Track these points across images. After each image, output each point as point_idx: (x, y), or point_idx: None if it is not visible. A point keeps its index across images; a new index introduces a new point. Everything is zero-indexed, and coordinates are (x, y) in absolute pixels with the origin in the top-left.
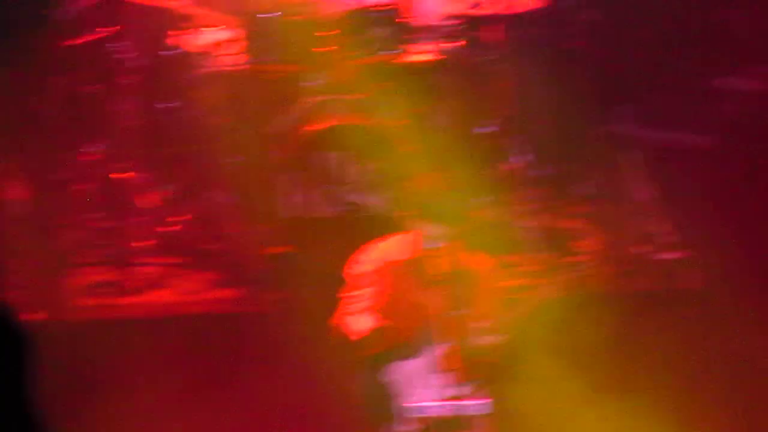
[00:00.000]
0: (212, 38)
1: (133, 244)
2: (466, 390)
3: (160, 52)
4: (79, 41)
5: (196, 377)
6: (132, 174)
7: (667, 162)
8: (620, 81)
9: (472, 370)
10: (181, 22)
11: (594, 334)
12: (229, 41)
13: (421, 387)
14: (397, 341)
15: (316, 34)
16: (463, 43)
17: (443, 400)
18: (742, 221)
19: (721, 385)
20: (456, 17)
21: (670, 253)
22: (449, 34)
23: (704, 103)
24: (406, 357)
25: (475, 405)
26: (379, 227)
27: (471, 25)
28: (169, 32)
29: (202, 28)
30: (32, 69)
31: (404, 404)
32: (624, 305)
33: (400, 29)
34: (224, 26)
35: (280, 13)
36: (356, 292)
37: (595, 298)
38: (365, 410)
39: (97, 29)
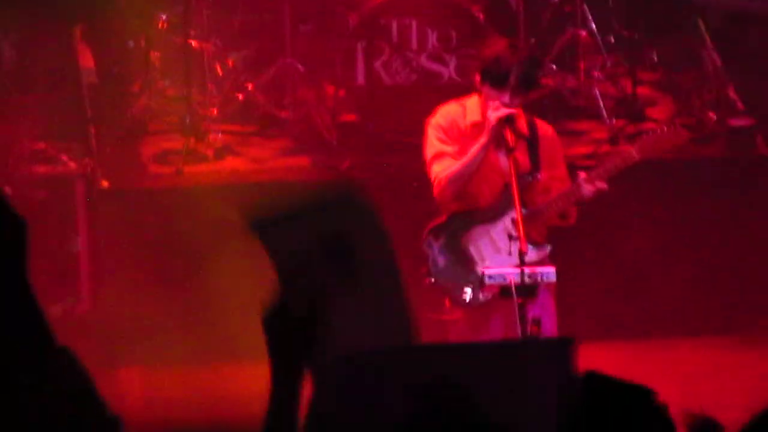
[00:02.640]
0: None
1: (205, 112)
2: (537, 256)
3: None
4: None
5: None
6: (204, 42)
7: (737, 28)
8: None
9: (542, 236)
10: None
11: (666, 200)
12: None
13: (496, 252)
14: (474, 205)
15: None
16: None
17: (516, 266)
18: None
19: None
20: None
21: (739, 119)
22: None
23: None
24: (481, 222)
25: (543, 272)
26: (453, 95)
27: None
28: None
29: None
30: None
31: (481, 269)
32: (694, 172)
33: None
34: None
35: None
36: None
37: (664, 166)
38: (441, 276)
39: None
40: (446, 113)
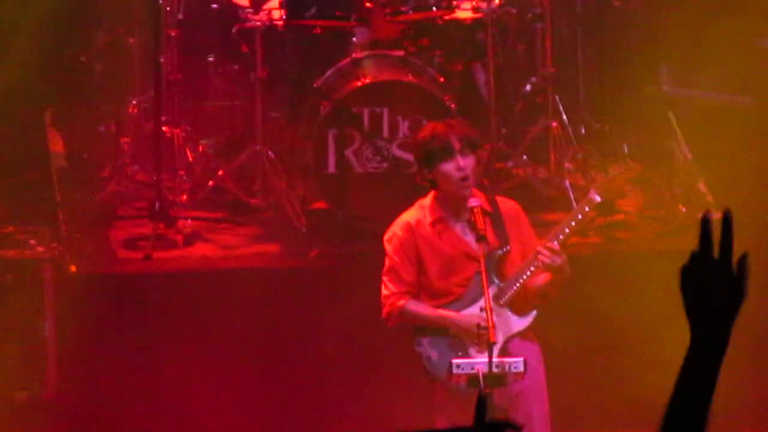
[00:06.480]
0: None
1: (174, 198)
2: (506, 346)
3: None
4: None
5: (235, 332)
6: (175, 127)
7: (707, 121)
8: (661, 40)
9: (511, 323)
10: None
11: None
12: None
13: (467, 342)
14: (452, 295)
15: None
16: (501, 1)
17: (486, 356)
18: None
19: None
20: None
21: (708, 212)
22: None
23: (744, 63)
24: (460, 309)
25: (511, 362)
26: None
27: None
28: None
29: None
30: (78, 21)
31: (451, 360)
32: (663, 264)
33: None
34: None
35: None
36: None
37: (634, 257)
38: (437, 370)
39: None
40: (403, 223)
